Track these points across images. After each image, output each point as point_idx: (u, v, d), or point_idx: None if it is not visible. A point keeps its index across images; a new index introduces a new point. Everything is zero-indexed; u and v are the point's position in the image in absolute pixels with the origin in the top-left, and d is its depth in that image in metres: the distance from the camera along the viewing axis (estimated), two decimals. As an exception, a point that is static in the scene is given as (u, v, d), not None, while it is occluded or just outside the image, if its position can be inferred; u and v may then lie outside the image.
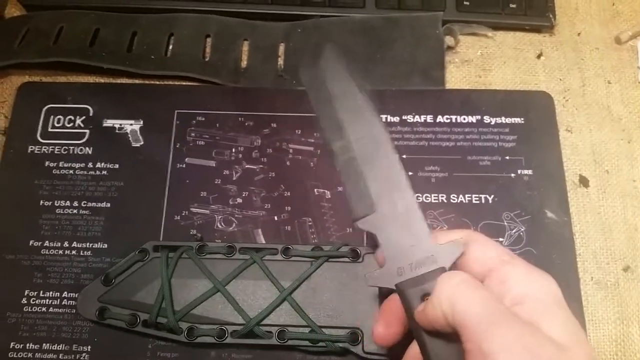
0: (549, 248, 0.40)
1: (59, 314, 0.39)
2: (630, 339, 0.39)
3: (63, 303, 0.39)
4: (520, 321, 0.24)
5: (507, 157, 0.43)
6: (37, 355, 0.38)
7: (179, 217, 0.41)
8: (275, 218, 0.42)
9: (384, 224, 0.31)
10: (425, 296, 0.28)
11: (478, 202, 0.42)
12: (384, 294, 0.35)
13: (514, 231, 0.41)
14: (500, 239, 0.41)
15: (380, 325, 0.31)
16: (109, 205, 0.42)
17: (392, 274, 0.30)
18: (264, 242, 0.41)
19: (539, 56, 0.49)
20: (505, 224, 0.41)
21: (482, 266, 0.29)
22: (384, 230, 0.31)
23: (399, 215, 0.31)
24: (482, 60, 0.48)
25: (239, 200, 0.42)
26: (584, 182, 0.44)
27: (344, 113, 0.33)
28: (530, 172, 0.43)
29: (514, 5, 0.49)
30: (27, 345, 0.38)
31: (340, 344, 0.37)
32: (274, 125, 0.44)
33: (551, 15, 0.49)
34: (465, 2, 0.49)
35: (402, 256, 0.30)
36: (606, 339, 0.39)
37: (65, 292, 0.39)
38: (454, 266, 0.29)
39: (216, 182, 0.43)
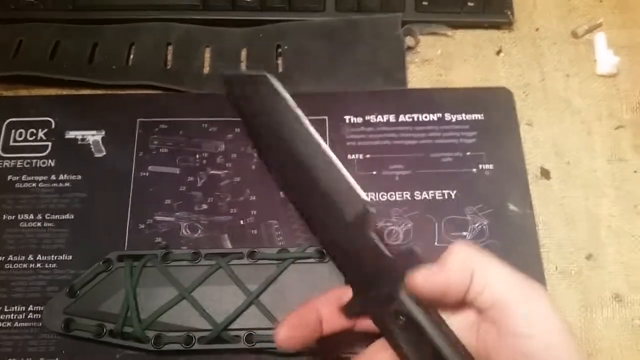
0: (513, 240, 0.41)
1: (24, 328, 0.39)
2: (593, 325, 0.40)
3: (29, 317, 0.39)
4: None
5: (469, 153, 0.44)
6: (3, 371, 0.38)
7: (143, 226, 0.41)
8: (242, 222, 0.42)
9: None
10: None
11: (441, 198, 0.42)
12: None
13: (476, 225, 0.41)
14: (464, 233, 0.41)
15: (284, 327, 0.30)
16: (72, 217, 0.41)
17: None
18: (230, 247, 0.41)
19: (498, 53, 0.49)
20: (469, 218, 0.42)
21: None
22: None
23: None
24: (443, 59, 0.49)
25: (205, 206, 0.42)
26: (545, 174, 0.44)
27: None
28: (491, 166, 0.43)
29: (472, 4, 0.50)
30: (-8, 361, 0.38)
31: (308, 345, 0.37)
32: (238, 130, 0.45)
33: (509, 12, 0.50)
34: (423, 2, 0.49)
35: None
36: (571, 327, 0.39)
37: (31, 306, 0.39)
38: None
39: (181, 189, 0.42)
